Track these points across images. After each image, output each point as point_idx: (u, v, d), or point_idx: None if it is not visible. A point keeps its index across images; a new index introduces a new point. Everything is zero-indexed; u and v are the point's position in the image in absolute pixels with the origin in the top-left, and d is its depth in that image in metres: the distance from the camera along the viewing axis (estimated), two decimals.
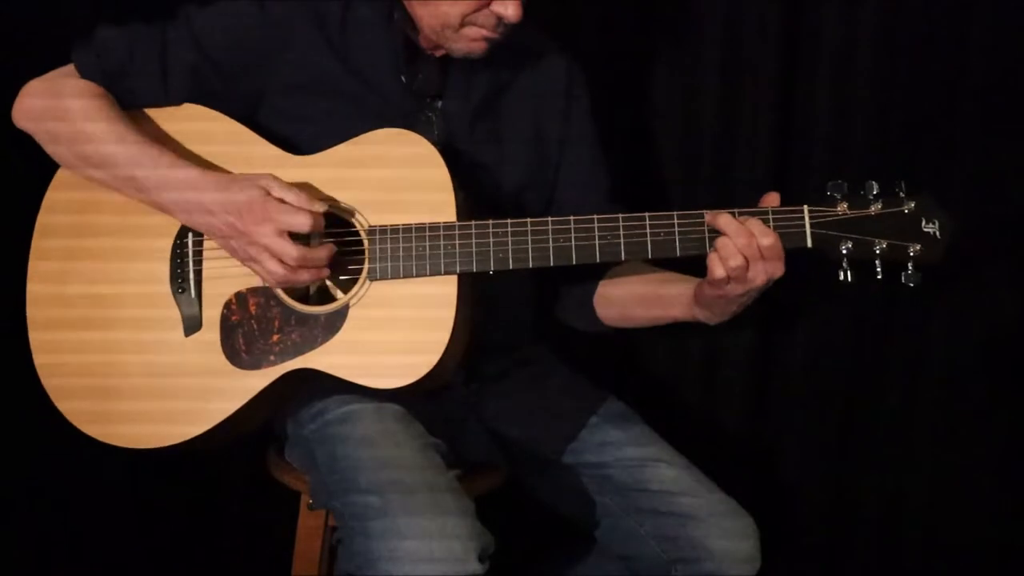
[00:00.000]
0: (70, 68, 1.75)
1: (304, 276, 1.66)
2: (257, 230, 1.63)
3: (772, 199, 1.66)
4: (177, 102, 1.77)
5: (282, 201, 1.64)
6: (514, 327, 1.91)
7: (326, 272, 1.68)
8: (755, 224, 1.61)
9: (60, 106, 1.72)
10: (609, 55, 2.20)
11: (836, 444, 2.31)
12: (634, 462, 1.81)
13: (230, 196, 1.65)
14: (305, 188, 1.70)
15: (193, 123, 1.75)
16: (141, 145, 1.69)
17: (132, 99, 1.76)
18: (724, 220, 1.61)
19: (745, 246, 1.60)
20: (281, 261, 1.64)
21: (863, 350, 2.28)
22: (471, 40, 1.74)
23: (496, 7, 1.70)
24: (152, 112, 1.77)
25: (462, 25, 1.72)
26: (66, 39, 1.78)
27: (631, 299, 1.88)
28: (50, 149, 1.75)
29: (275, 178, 1.66)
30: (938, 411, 2.28)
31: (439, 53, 1.82)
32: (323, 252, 1.67)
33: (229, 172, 1.71)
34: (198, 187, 1.67)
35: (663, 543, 1.77)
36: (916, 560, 2.33)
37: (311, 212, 1.63)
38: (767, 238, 1.60)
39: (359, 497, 1.58)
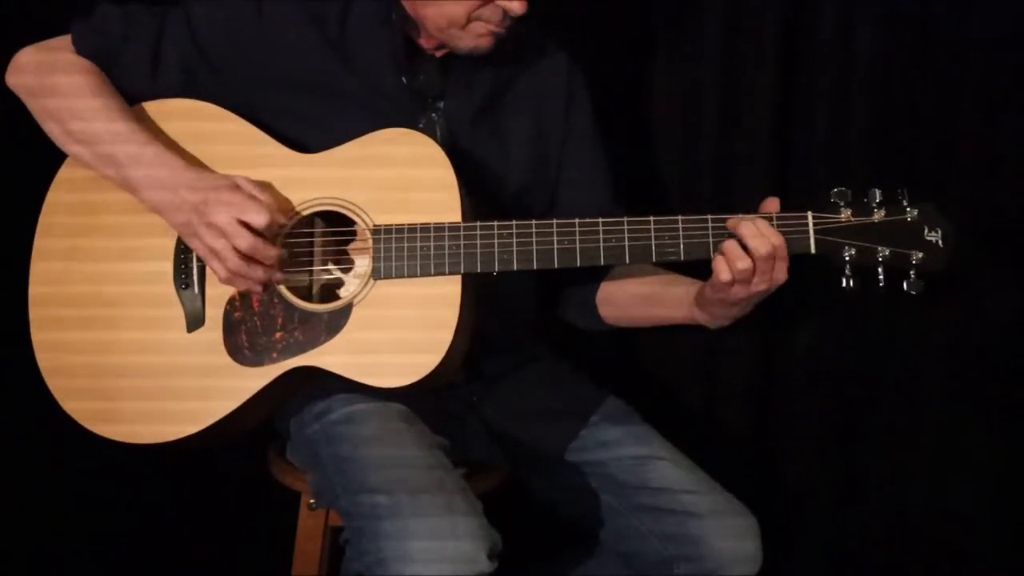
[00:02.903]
0: (66, 40, 1.77)
1: (257, 273, 1.65)
2: (216, 210, 1.63)
3: (772, 204, 1.66)
4: (164, 92, 1.77)
5: (249, 197, 1.65)
6: (516, 327, 1.92)
7: (277, 276, 1.67)
8: (763, 225, 1.61)
9: (52, 83, 1.73)
10: (609, 55, 2.20)
11: (837, 445, 2.32)
12: (635, 460, 1.82)
13: (197, 178, 1.66)
14: (310, 187, 1.71)
15: (200, 122, 1.75)
16: (123, 123, 1.70)
17: (119, 82, 1.77)
18: (746, 227, 1.60)
19: (756, 248, 1.60)
20: (234, 248, 1.63)
21: (864, 352, 2.28)
22: (478, 36, 1.75)
23: (501, 1, 1.70)
24: (159, 109, 1.77)
25: (468, 21, 1.73)
26: (66, 13, 1.79)
27: (633, 299, 1.88)
28: (45, 126, 1.76)
29: (248, 180, 1.66)
30: (939, 413, 2.28)
31: (440, 53, 1.83)
32: (274, 251, 1.66)
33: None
34: (166, 165, 1.67)
35: (664, 541, 1.77)
36: (917, 560, 2.33)
37: (270, 210, 1.63)
38: (775, 238, 1.60)
39: (367, 497, 1.58)
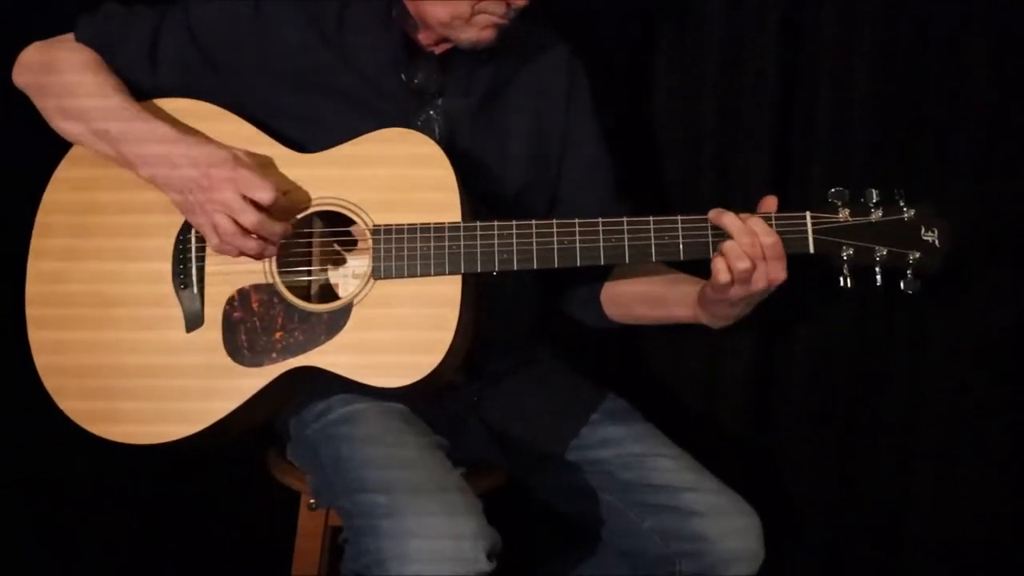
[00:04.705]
0: (70, 37, 1.80)
1: (251, 244, 1.65)
2: (221, 185, 1.62)
3: (770, 203, 1.66)
4: (164, 87, 1.78)
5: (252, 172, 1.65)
6: (517, 326, 1.92)
7: (272, 251, 1.67)
8: (758, 223, 1.61)
9: (51, 59, 1.76)
10: (609, 55, 2.19)
11: (837, 444, 2.32)
12: (635, 457, 1.81)
13: (198, 151, 1.65)
14: (309, 187, 1.71)
15: (197, 121, 1.75)
16: (118, 99, 1.71)
17: (120, 76, 1.77)
18: (728, 219, 1.62)
19: (749, 245, 1.60)
20: (234, 221, 1.63)
21: (864, 351, 2.28)
22: (481, 28, 1.75)
23: None
24: (157, 109, 1.76)
25: (473, 14, 1.73)
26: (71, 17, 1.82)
27: (637, 298, 1.88)
28: (39, 103, 1.77)
29: (244, 152, 1.67)
30: (939, 412, 2.28)
31: (440, 49, 1.82)
32: (279, 228, 1.66)
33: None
34: (165, 140, 1.67)
35: (665, 538, 1.77)
36: (917, 560, 2.33)
37: (273, 187, 1.63)
38: (769, 237, 1.61)
39: (366, 496, 1.58)
